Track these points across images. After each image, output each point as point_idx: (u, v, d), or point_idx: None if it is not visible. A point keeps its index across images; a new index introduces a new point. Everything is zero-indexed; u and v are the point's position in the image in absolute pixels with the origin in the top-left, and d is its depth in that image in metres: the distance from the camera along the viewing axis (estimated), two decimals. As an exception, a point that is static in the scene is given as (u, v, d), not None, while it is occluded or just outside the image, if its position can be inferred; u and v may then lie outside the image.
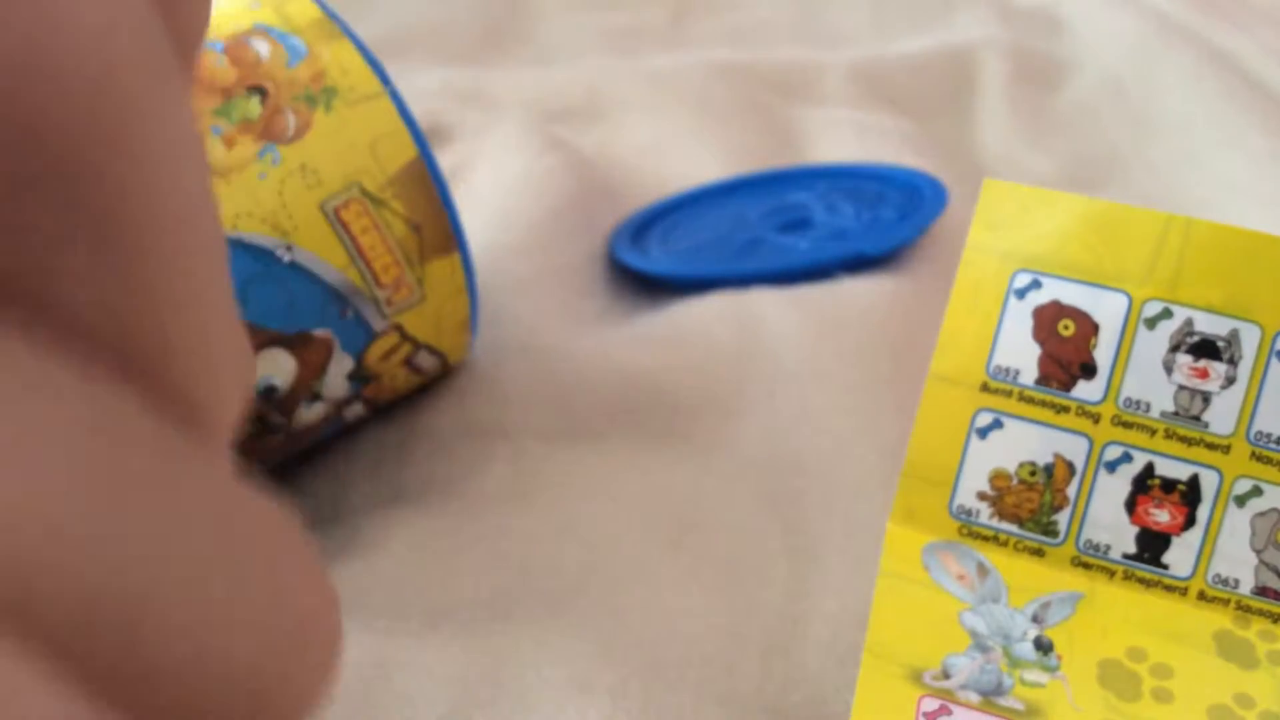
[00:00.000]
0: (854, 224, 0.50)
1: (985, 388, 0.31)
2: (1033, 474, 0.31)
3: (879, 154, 0.56)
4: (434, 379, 0.42)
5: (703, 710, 0.30)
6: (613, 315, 0.48)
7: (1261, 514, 0.31)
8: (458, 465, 0.39)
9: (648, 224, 0.53)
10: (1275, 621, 0.30)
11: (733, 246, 0.50)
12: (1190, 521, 0.31)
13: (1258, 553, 0.31)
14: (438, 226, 0.36)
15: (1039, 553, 0.31)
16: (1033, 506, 0.31)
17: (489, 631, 0.33)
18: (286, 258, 0.34)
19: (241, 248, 0.33)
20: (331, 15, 0.37)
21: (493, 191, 0.53)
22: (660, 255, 0.50)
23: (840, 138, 0.58)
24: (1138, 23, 0.67)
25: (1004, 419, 0.31)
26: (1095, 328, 0.31)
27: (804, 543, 0.36)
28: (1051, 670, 0.29)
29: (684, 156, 0.57)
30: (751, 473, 0.39)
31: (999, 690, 0.28)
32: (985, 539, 0.31)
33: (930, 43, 0.68)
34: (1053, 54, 0.67)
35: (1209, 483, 0.31)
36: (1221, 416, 0.31)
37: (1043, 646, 0.29)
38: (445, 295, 0.37)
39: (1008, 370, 0.31)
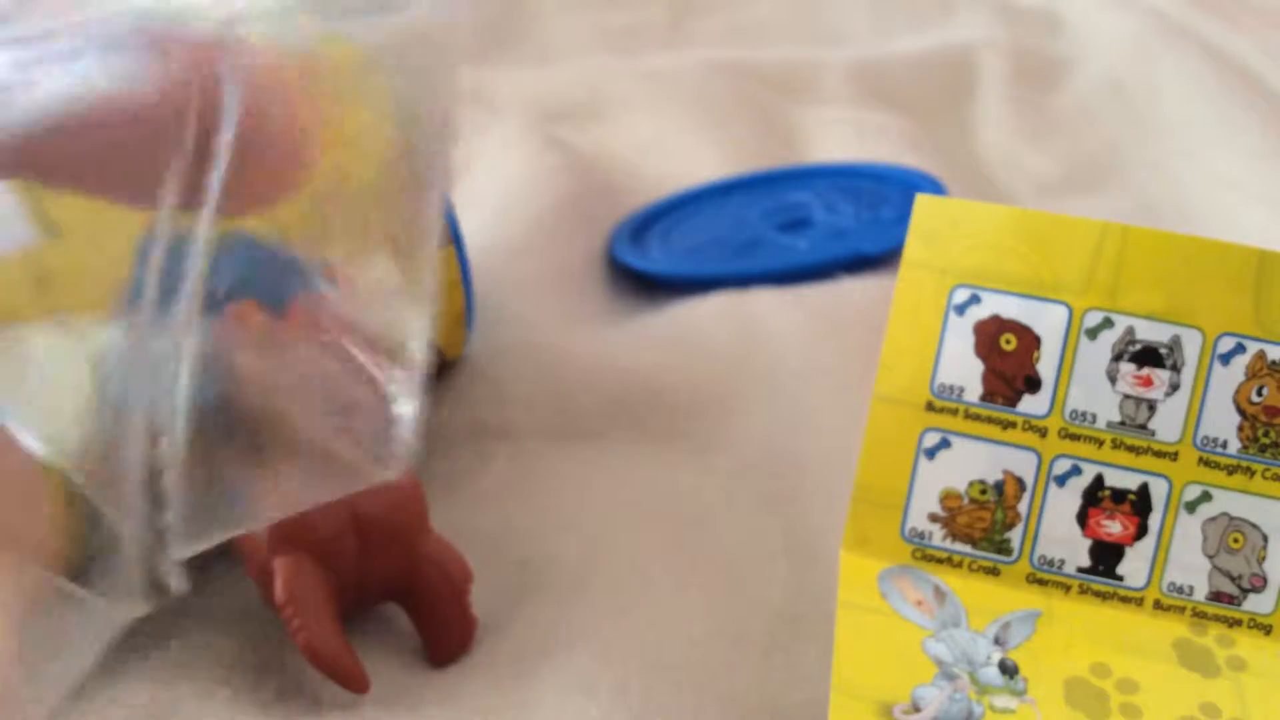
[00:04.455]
0: (854, 224, 0.50)
1: (930, 407, 0.31)
2: (983, 492, 0.31)
3: (879, 153, 0.56)
4: (431, 375, 0.42)
5: (703, 710, 0.30)
6: (612, 315, 0.48)
7: (1212, 519, 0.31)
8: (457, 464, 0.39)
9: (647, 224, 0.52)
10: (1231, 626, 0.30)
11: (732, 246, 0.50)
12: (1142, 531, 0.31)
13: (1210, 558, 0.31)
14: (435, 222, 0.36)
15: (994, 572, 0.31)
16: (985, 525, 0.31)
17: (488, 631, 0.33)
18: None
19: (236, 239, 0.33)
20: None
21: (492, 191, 0.53)
22: (660, 255, 0.50)
23: (840, 137, 0.58)
24: (1138, 22, 0.67)
25: (951, 438, 0.31)
26: (1037, 341, 0.31)
27: (804, 543, 0.36)
28: (1019, 694, 0.28)
29: (684, 156, 0.57)
30: (751, 473, 0.38)
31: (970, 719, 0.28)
32: (939, 561, 0.31)
33: (930, 42, 0.68)
34: (1053, 54, 0.67)
35: (1159, 491, 0.31)
36: (1167, 424, 0.30)
37: (1008, 670, 0.29)
38: (441, 288, 0.37)
39: (952, 388, 0.31)
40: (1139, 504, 0.31)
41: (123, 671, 0.30)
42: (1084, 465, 0.31)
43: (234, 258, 0.32)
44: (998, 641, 0.30)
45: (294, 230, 0.22)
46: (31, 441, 0.18)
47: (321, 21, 0.19)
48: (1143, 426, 0.31)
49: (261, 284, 0.34)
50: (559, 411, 0.41)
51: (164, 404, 0.20)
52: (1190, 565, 0.31)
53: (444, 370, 0.42)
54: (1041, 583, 0.31)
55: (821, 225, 0.50)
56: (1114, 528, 0.31)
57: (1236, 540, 0.31)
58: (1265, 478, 0.30)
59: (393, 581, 0.32)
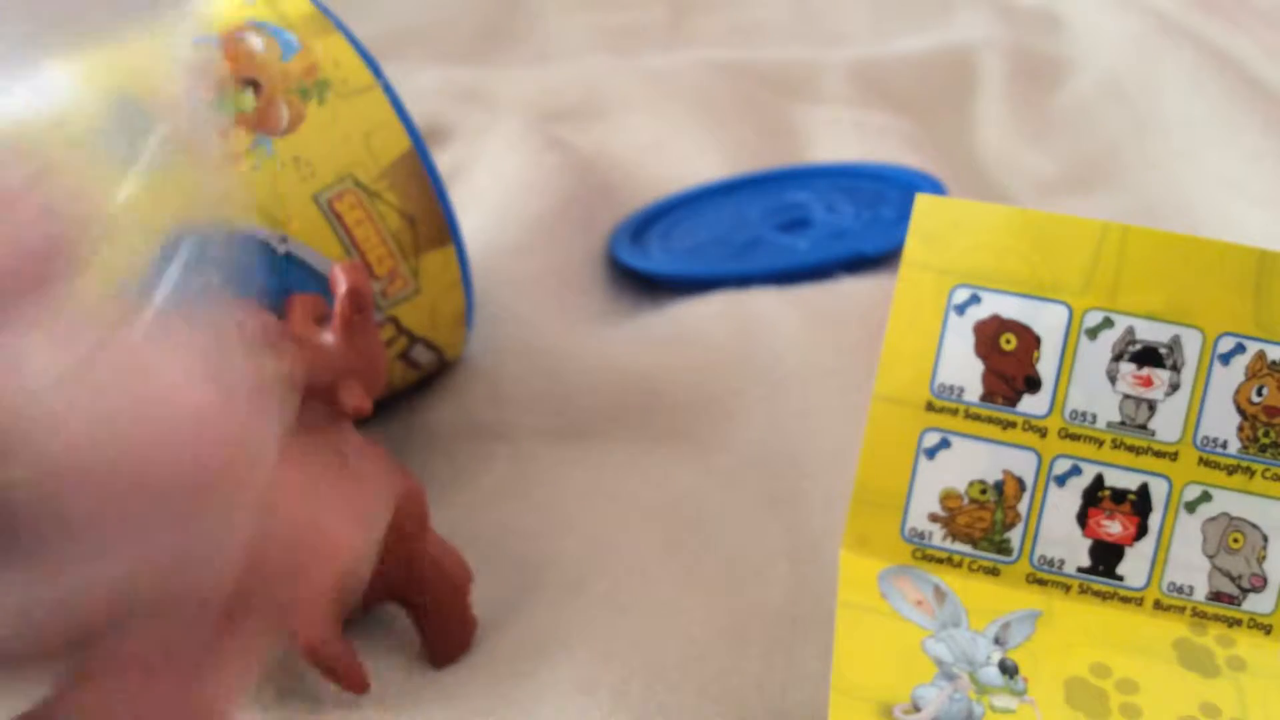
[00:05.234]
0: (853, 223, 0.50)
1: (930, 407, 0.31)
2: (983, 492, 0.31)
3: (879, 153, 0.56)
4: (431, 375, 0.42)
5: (703, 710, 0.30)
6: (613, 315, 0.48)
7: (1212, 519, 0.30)
8: (457, 463, 0.39)
9: (648, 224, 0.52)
10: (1230, 626, 0.30)
11: (733, 246, 0.50)
12: (1142, 531, 0.31)
13: (1210, 558, 0.31)
14: (432, 219, 0.36)
15: (994, 572, 0.31)
16: (985, 525, 0.31)
17: (488, 631, 0.33)
18: (282, 249, 0.34)
19: (237, 239, 0.33)
20: (324, 10, 0.37)
21: (492, 191, 0.53)
22: (660, 255, 0.50)
23: (840, 137, 0.58)
24: (1138, 22, 0.67)
25: (951, 438, 0.31)
26: (1037, 340, 0.31)
27: (804, 543, 0.36)
28: (1019, 694, 0.28)
29: (684, 156, 0.57)
30: (751, 473, 0.38)
31: (970, 719, 0.28)
32: (939, 561, 0.31)
33: (930, 42, 0.68)
34: (1053, 53, 0.67)
35: (1159, 491, 0.31)
36: (1167, 423, 0.30)
37: (1008, 670, 0.29)
38: (440, 288, 0.37)
39: (952, 388, 0.31)
40: (1139, 504, 0.31)
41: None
42: (1084, 465, 0.31)
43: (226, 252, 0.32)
44: (998, 641, 0.30)
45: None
46: None
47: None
48: (1143, 426, 0.30)
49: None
50: (559, 412, 0.41)
51: None
52: (1190, 565, 0.31)
53: (444, 370, 0.42)
54: (1041, 583, 0.31)
55: (821, 225, 0.50)
56: (1114, 528, 0.31)
57: (1236, 540, 0.31)
58: (1265, 478, 0.30)
59: (393, 581, 0.32)
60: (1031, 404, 0.31)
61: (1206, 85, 0.60)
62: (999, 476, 0.31)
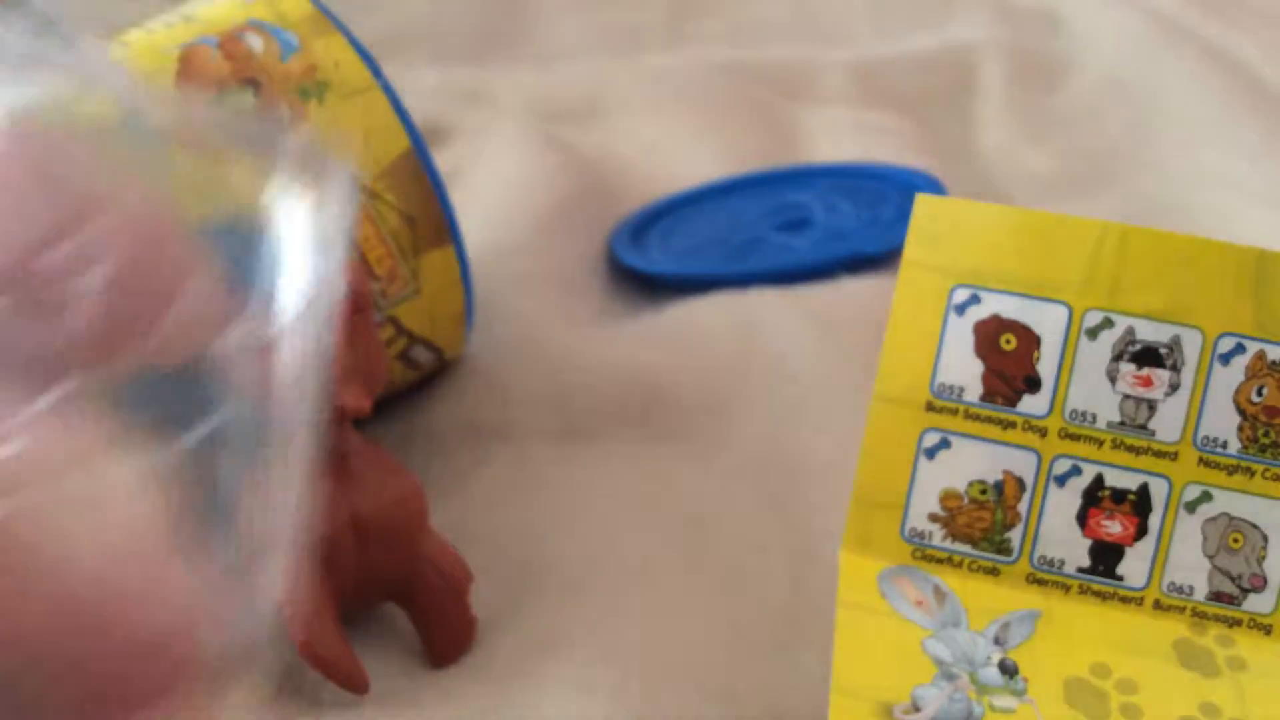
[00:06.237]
0: (854, 223, 0.50)
1: (930, 407, 0.31)
2: (983, 492, 0.31)
3: (879, 153, 0.56)
4: (431, 375, 0.42)
5: (703, 710, 0.30)
6: (612, 315, 0.48)
7: (1212, 519, 0.31)
8: (457, 463, 0.39)
9: (647, 224, 0.52)
10: (1231, 626, 0.30)
11: (732, 246, 0.50)
12: (1142, 531, 0.31)
13: (1210, 558, 0.31)
14: (432, 219, 0.36)
15: (994, 572, 0.31)
16: (985, 525, 0.31)
17: (489, 632, 0.33)
18: (282, 251, 0.34)
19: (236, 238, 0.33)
20: (324, 10, 0.37)
21: (492, 191, 0.53)
22: (660, 255, 0.50)
23: (840, 137, 0.58)
24: (1138, 22, 0.67)
25: (951, 438, 0.31)
26: (1037, 340, 0.31)
27: (804, 543, 0.36)
28: (1019, 694, 0.28)
29: (684, 156, 0.57)
30: (751, 473, 0.38)
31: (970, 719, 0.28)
32: (939, 561, 0.31)
33: (930, 42, 0.68)
34: (1053, 54, 0.67)
35: (1159, 491, 0.31)
36: (1168, 424, 0.30)
37: (1008, 670, 0.29)
38: (440, 288, 0.37)
39: (952, 388, 0.31)
40: (1139, 504, 0.31)
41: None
42: (1084, 465, 0.31)
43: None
44: (998, 641, 0.30)
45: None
46: None
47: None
48: (1143, 426, 0.31)
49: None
50: (559, 411, 0.41)
51: None
52: (1190, 565, 0.31)
53: (443, 370, 0.42)
54: (1041, 583, 0.31)
55: (821, 225, 0.50)
56: (1114, 528, 0.31)
57: (1236, 540, 0.31)
58: (1265, 478, 0.30)
59: (393, 581, 0.32)
60: (1031, 404, 0.31)
61: (1207, 85, 0.60)
62: (999, 476, 0.31)
